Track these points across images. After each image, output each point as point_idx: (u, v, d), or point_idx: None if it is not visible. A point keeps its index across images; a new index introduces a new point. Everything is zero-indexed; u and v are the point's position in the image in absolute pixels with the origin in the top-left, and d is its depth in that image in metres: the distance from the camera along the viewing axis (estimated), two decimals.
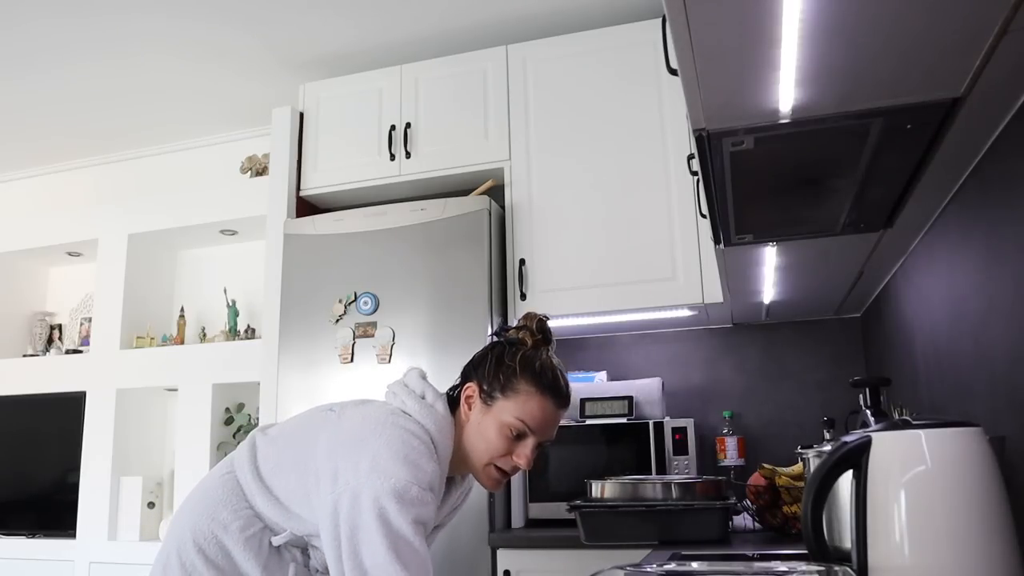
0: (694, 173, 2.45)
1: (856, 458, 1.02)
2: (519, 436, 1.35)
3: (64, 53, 3.04)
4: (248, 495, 1.37)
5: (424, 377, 1.43)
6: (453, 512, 1.53)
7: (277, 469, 1.37)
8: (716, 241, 1.74)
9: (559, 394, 1.38)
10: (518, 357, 1.39)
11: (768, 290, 2.32)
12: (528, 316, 1.46)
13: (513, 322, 2.63)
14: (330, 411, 1.41)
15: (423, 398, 1.38)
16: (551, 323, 2.81)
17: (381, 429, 1.29)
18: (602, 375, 2.91)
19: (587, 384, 2.77)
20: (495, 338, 1.47)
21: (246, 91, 3.36)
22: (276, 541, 1.35)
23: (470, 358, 1.48)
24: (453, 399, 1.45)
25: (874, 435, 1.02)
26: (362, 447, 1.27)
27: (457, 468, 1.42)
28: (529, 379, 1.37)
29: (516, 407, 1.35)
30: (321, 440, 1.34)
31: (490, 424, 1.36)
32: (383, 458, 1.24)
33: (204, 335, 3.49)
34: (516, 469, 1.38)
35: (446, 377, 2.44)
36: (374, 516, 1.20)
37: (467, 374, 1.45)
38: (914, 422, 1.00)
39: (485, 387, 1.38)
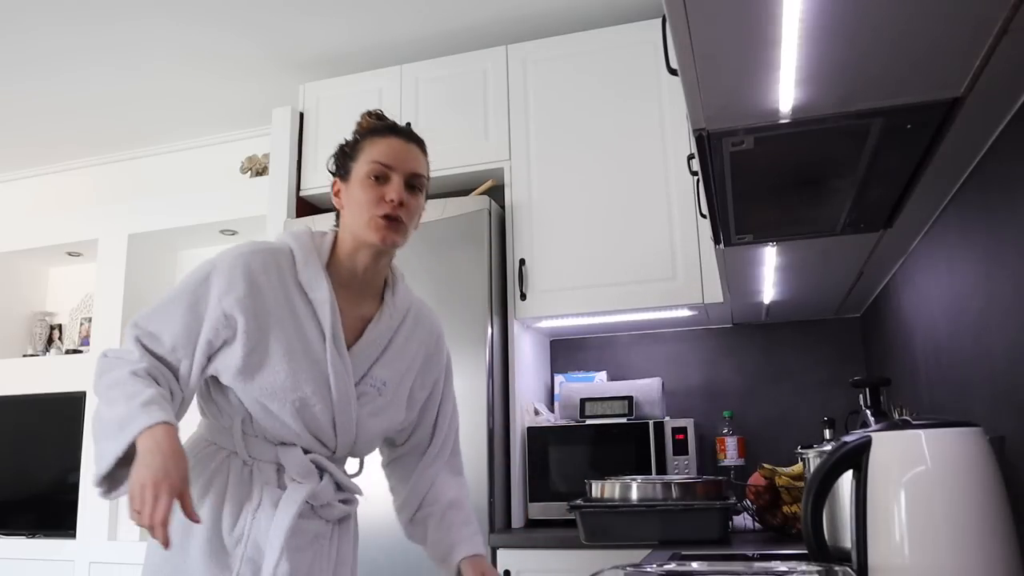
0: (694, 173, 2.45)
1: (856, 458, 1.02)
2: (380, 179, 1.37)
3: (66, 58, 3.04)
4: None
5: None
6: (389, 351, 1.45)
7: None
8: (716, 241, 1.74)
9: (398, 130, 1.42)
10: (356, 133, 1.44)
11: (768, 290, 2.32)
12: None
13: (513, 326, 2.64)
14: None
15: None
16: (551, 323, 2.81)
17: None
18: (602, 375, 2.91)
19: (587, 384, 2.77)
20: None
21: (246, 92, 3.36)
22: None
23: None
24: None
25: (874, 435, 1.02)
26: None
27: (355, 257, 1.40)
28: (368, 134, 1.41)
29: (365, 158, 1.38)
30: None
31: (353, 188, 1.38)
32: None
33: None
34: (395, 208, 1.35)
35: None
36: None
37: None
38: (914, 422, 1.00)
39: (341, 171, 1.42)
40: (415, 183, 1.40)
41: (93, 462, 1.19)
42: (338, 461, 1.41)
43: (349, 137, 1.45)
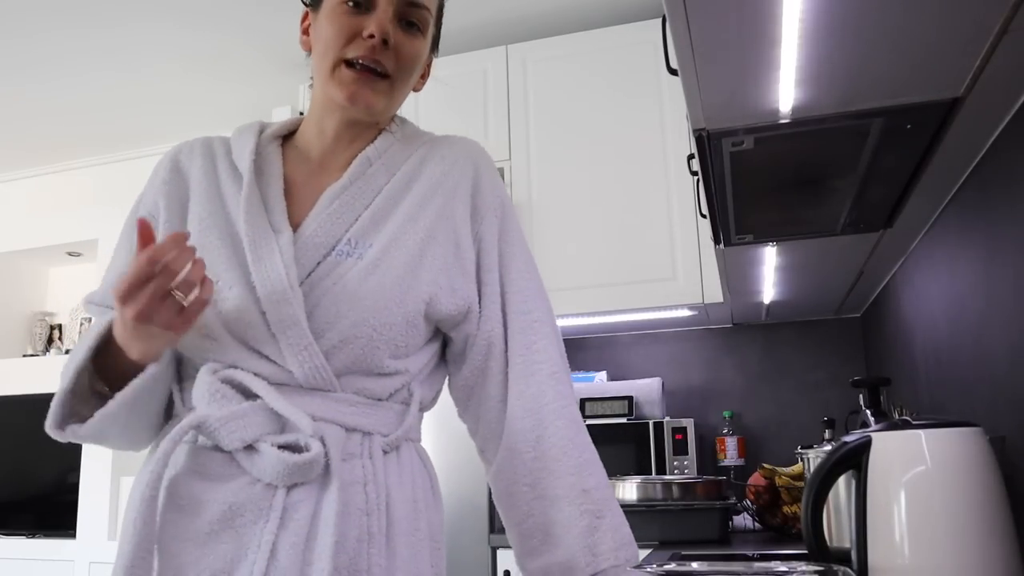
0: (694, 173, 2.45)
1: (856, 458, 1.02)
2: (360, 6, 0.95)
3: (66, 60, 3.04)
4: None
5: None
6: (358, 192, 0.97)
7: None
8: (716, 241, 1.74)
9: None
10: None
11: (768, 290, 2.32)
12: None
13: None
14: None
15: None
16: None
17: None
18: (602, 375, 2.91)
19: (587, 384, 2.77)
20: None
21: (246, 93, 3.36)
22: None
23: None
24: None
25: (874, 435, 1.02)
26: None
27: (323, 121, 1.02)
28: None
29: None
30: None
31: (321, 21, 0.97)
32: None
33: None
34: (374, 50, 0.94)
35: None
36: None
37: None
38: (914, 422, 1.00)
39: None
40: (412, 16, 0.97)
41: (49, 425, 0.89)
42: (318, 388, 0.89)
43: None
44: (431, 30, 1.02)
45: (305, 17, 1.02)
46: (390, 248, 0.94)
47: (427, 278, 0.94)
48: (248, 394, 0.87)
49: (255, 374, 0.88)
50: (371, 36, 0.93)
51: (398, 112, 1.09)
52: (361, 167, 0.99)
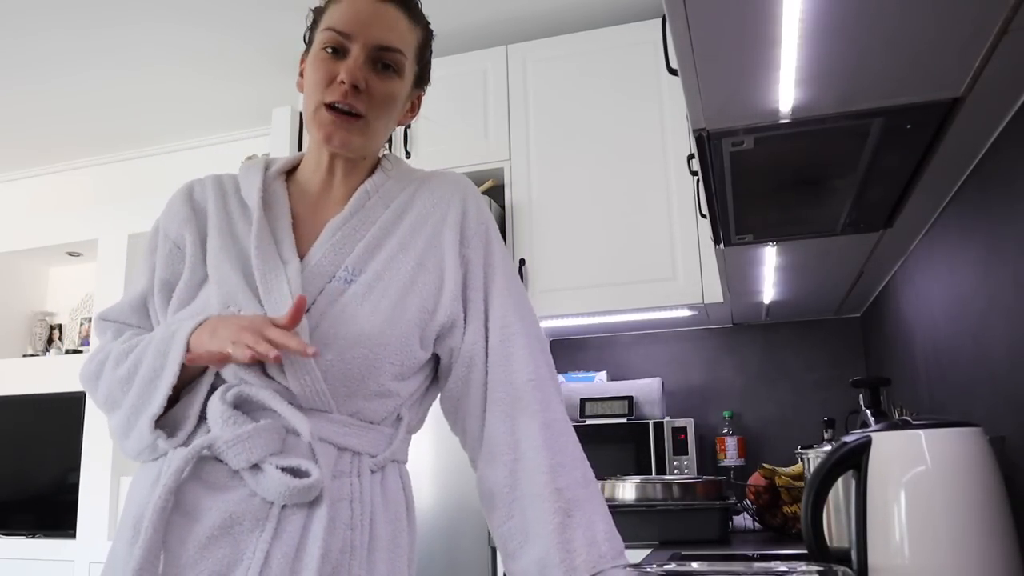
0: (694, 173, 2.45)
1: (856, 458, 1.02)
2: (337, 52, 1.03)
3: (66, 59, 3.04)
4: None
5: None
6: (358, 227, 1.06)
7: None
8: (716, 241, 1.74)
9: None
10: None
11: (768, 290, 2.32)
12: None
13: None
14: None
15: None
16: (551, 323, 2.80)
17: None
18: (602, 375, 2.91)
19: (587, 384, 2.77)
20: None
21: (246, 92, 3.36)
22: None
23: None
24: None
25: (874, 435, 1.02)
26: None
27: (319, 158, 1.11)
28: None
29: (323, 25, 1.05)
30: None
31: (308, 63, 1.07)
32: None
33: None
34: (347, 95, 1.01)
35: None
36: None
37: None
38: (914, 422, 1.00)
39: (307, 42, 1.10)
40: (386, 60, 1.05)
41: (124, 430, 0.97)
42: (317, 409, 0.95)
43: None
44: (411, 68, 1.12)
45: (303, 59, 1.11)
46: (383, 274, 1.02)
47: (417, 303, 1.02)
48: (254, 412, 0.95)
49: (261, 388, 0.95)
50: (342, 82, 1.01)
51: (391, 151, 1.20)
52: (360, 200, 1.08)
